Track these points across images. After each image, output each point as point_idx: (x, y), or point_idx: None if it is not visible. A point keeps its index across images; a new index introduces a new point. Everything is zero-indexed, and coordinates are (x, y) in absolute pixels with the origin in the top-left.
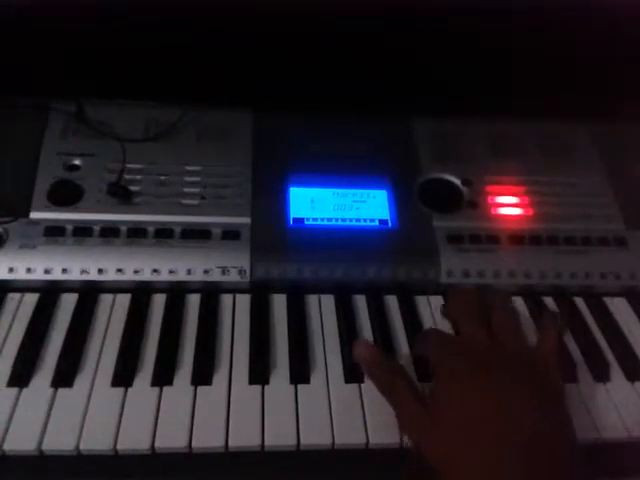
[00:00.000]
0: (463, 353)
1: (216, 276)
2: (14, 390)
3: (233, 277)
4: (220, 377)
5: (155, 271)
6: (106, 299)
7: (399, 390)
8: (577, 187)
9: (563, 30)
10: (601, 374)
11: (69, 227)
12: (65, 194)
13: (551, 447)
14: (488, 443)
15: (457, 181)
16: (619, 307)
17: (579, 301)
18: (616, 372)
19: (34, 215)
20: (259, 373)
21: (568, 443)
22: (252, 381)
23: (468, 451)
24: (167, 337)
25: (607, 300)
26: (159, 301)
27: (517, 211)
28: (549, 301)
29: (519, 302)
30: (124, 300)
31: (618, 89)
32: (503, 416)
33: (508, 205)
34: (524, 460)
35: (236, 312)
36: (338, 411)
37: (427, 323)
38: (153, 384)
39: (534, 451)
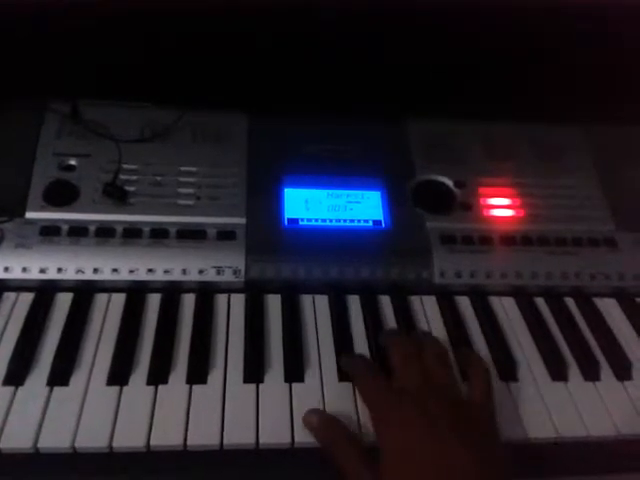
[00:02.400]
0: (401, 402)
1: (211, 276)
2: (10, 389)
3: (228, 277)
4: (215, 376)
5: (150, 271)
6: (101, 298)
7: (342, 449)
8: (568, 189)
9: (557, 33)
10: (591, 374)
11: (65, 227)
12: (61, 194)
13: None
14: None
15: (450, 182)
16: (609, 307)
17: (569, 301)
18: (606, 372)
19: (30, 215)
20: (254, 372)
21: None
22: (247, 380)
23: None
24: (162, 336)
25: (597, 300)
26: (154, 301)
27: (509, 212)
28: (540, 301)
29: (510, 303)
30: (119, 299)
31: (610, 92)
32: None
33: (500, 207)
34: None
35: (231, 312)
36: (332, 409)
37: (420, 323)
38: (148, 383)
39: None
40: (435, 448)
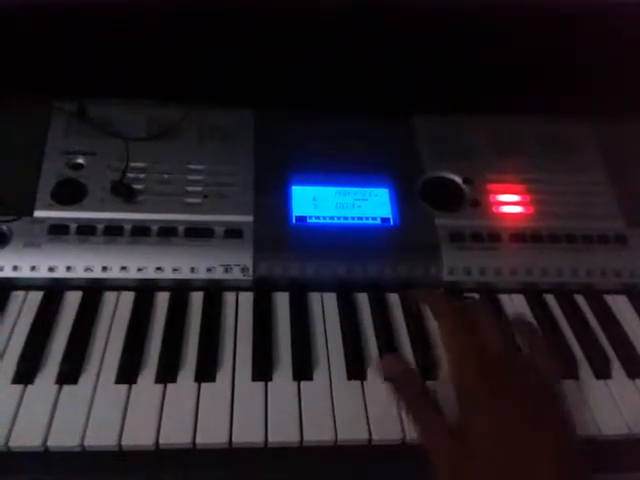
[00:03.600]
0: (480, 371)
1: (219, 274)
2: (19, 387)
3: (236, 275)
4: (223, 374)
5: (159, 269)
6: (110, 297)
7: (429, 420)
8: (578, 185)
9: (564, 29)
10: (602, 371)
11: (73, 225)
12: (69, 193)
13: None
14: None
15: (459, 179)
16: (620, 304)
17: (580, 298)
18: (617, 369)
19: (38, 214)
20: (262, 370)
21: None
22: (255, 378)
23: None
24: (171, 334)
25: (608, 297)
26: (163, 299)
27: (518, 209)
28: (550, 298)
29: (520, 300)
30: (128, 298)
31: (619, 87)
32: (535, 450)
33: (509, 203)
34: None
35: (239, 310)
36: (341, 407)
37: (430, 320)
38: (157, 381)
39: None
40: (527, 427)
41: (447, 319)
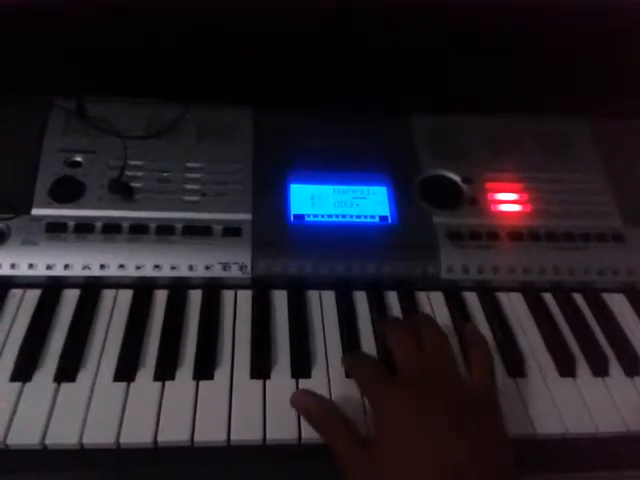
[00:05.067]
0: (398, 389)
1: (217, 272)
2: (17, 385)
3: (234, 273)
4: (222, 372)
5: (157, 267)
6: (108, 295)
7: (336, 432)
8: (576, 184)
9: (562, 28)
10: (600, 369)
11: (71, 223)
12: (67, 191)
13: None
14: None
15: (457, 178)
16: (617, 303)
17: (578, 297)
18: (615, 367)
19: (36, 212)
20: (260, 368)
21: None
22: (253, 376)
23: None
24: (169, 332)
25: (606, 296)
26: (161, 297)
27: (516, 208)
28: (548, 297)
29: (518, 298)
30: (126, 296)
31: (618, 86)
32: (440, 459)
33: (507, 202)
34: None
35: (237, 308)
36: (339, 405)
37: None
38: (155, 379)
39: None
40: (433, 437)
41: (394, 332)
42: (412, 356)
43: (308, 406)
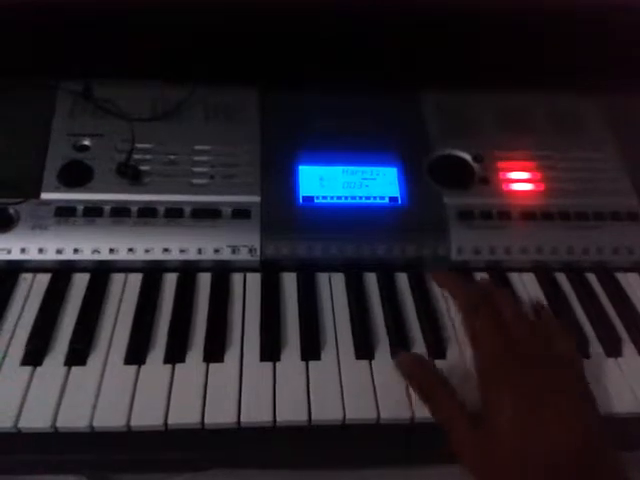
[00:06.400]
0: (503, 344)
1: (226, 255)
2: (28, 369)
3: (243, 256)
4: (232, 354)
5: (166, 250)
6: (118, 278)
7: (448, 410)
8: (589, 162)
9: (576, 3)
10: (613, 349)
11: (80, 207)
12: (75, 175)
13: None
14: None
15: (468, 157)
16: (631, 282)
17: (591, 276)
18: (628, 347)
19: (45, 196)
20: (270, 350)
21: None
22: (263, 358)
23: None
24: (179, 315)
25: (620, 275)
26: (170, 280)
27: (528, 187)
28: (561, 277)
29: (530, 278)
30: (136, 279)
31: (632, 63)
32: (556, 440)
33: (519, 181)
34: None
35: (247, 290)
36: (349, 387)
37: (438, 301)
38: (166, 361)
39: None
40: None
41: (465, 298)
42: (496, 334)
43: (413, 372)
